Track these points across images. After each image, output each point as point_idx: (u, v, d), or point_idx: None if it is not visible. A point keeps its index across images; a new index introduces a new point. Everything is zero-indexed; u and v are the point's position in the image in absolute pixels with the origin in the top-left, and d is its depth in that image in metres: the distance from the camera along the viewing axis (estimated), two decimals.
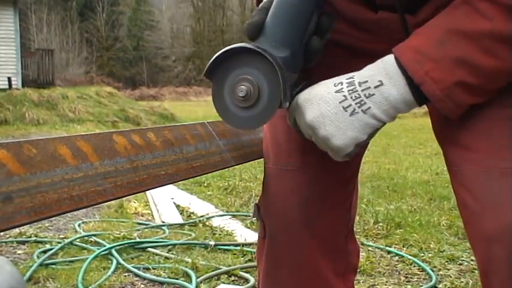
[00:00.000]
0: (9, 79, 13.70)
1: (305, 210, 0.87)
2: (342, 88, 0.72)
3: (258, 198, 0.95)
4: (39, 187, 0.54)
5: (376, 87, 0.70)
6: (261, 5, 0.80)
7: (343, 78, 0.73)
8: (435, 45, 0.68)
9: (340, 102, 0.72)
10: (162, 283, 2.21)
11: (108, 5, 41.69)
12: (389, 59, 0.71)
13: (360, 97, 0.71)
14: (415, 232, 2.82)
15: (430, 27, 0.71)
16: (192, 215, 3.45)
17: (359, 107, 0.71)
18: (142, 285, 2.20)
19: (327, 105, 0.72)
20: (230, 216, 3.35)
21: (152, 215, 3.48)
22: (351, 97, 0.71)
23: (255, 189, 4.04)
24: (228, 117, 0.77)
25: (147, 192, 3.77)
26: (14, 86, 13.55)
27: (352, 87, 0.72)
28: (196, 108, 18.55)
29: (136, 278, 2.26)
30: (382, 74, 0.71)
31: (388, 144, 7.54)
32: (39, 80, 15.02)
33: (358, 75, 0.73)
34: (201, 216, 3.34)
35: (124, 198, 3.02)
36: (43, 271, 2.29)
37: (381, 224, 2.98)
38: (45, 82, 14.87)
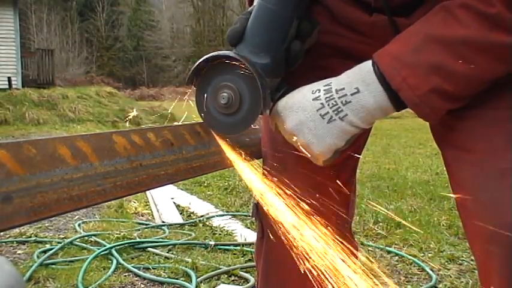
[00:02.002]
0: (9, 79, 13.70)
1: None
2: (319, 96, 0.73)
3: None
4: (39, 187, 0.54)
5: (352, 94, 0.71)
6: (244, 11, 0.81)
7: (321, 85, 0.74)
8: (412, 51, 0.69)
9: (317, 110, 0.73)
10: (162, 283, 2.21)
11: (108, 5, 41.68)
12: (367, 65, 0.72)
13: (337, 104, 0.72)
14: (415, 232, 2.82)
15: (408, 33, 0.71)
16: (192, 215, 3.45)
17: (336, 114, 0.72)
18: (142, 285, 2.20)
19: (305, 113, 0.73)
20: (230, 216, 3.35)
21: (152, 215, 3.48)
22: (328, 104, 0.72)
23: None
24: (211, 123, 0.79)
25: (147, 192, 3.77)
26: (14, 86, 13.54)
27: (329, 94, 0.72)
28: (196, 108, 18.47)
29: (136, 278, 2.26)
30: (359, 81, 0.71)
31: (388, 144, 7.54)
32: (39, 80, 15.02)
33: (335, 82, 0.73)
34: (201, 216, 3.34)
35: (124, 198, 3.03)
36: (43, 271, 2.29)
37: (380, 224, 2.98)
38: (45, 82, 14.87)
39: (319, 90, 0.73)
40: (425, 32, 0.69)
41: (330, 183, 0.89)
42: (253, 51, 0.76)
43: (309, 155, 0.76)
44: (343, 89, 0.72)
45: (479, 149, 0.71)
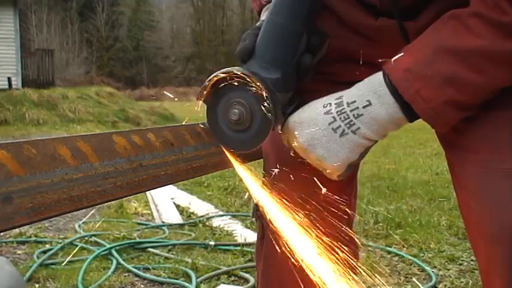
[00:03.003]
0: (9, 79, 13.70)
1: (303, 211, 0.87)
2: (330, 109, 0.72)
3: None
4: (39, 187, 0.54)
5: (364, 107, 0.71)
6: (254, 26, 0.80)
7: (332, 99, 0.73)
8: (424, 63, 0.68)
9: (329, 124, 0.72)
10: (162, 283, 2.21)
11: (108, 5, 41.67)
12: (378, 77, 0.71)
13: (349, 118, 0.71)
14: (415, 232, 2.82)
15: (419, 43, 0.71)
16: (192, 215, 3.45)
17: (348, 128, 0.71)
18: (142, 285, 2.20)
19: (317, 127, 0.73)
20: (230, 216, 3.35)
21: (152, 215, 3.48)
22: (340, 118, 0.72)
23: None
24: (222, 140, 0.78)
25: (147, 192, 3.77)
26: (14, 86, 13.55)
27: (341, 107, 0.72)
28: (196, 108, 18.47)
29: (136, 278, 2.26)
30: (371, 94, 0.71)
31: (388, 144, 7.53)
32: (39, 80, 15.02)
33: (346, 95, 0.73)
34: (201, 216, 3.34)
35: (124, 199, 3.02)
36: (43, 271, 2.29)
37: (380, 224, 2.98)
38: (45, 82, 14.87)
39: (330, 104, 0.73)
40: (436, 43, 0.68)
41: (330, 185, 0.89)
42: (263, 67, 0.75)
43: (323, 170, 0.75)
44: (355, 101, 0.71)
45: (482, 149, 0.71)
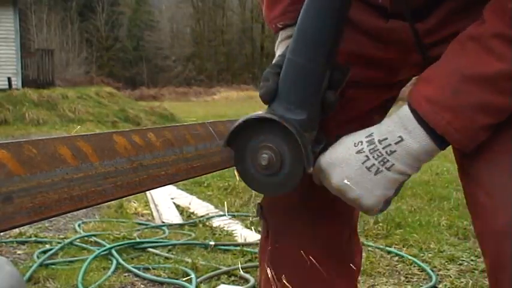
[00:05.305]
0: (9, 79, 13.70)
1: (308, 210, 0.87)
2: (362, 148, 0.72)
3: (261, 197, 0.95)
4: (39, 187, 0.54)
5: (396, 143, 0.71)
6: (272, 65, 0.79)
7: (362, 137, 0.73)
8: (451, 94, 0.68)
9: (363, 163, 0.72)
10: (162, 283, 2.21)
11: (108, 5, 41.68)
12: (405, 113, 0.71)
13: (382, 155, 0.71)
14: (415, 232, 2.82)
15: (440, 71, 0.70)
16: (192, 215, 3.45)
17: (382, 165, 0.71)
18: (142, 286, 2.20)
19: (350, 167, 0.72)
20: (230, 217, 3.35)
21: (152, 215, 3.48)
22: (373, 156, 0.72)
23: None
24: (252, 185, 0.77)
25: (147, 192, 3.77)
26: (14, 86, 13.55)
27: (373, 145, 0.72)
28: (196, 108, 18.58)
29: (136, 278, 2.26)
30: (401, 129, 0.71)
31: None
32: (39, 80, 15.02)
33: (376, 132, 0.73)
34: (201, 217, 3.34)
35: (124, 199, 3.02)
36: (43, 271, 2.29)
37: (380, 224, 2.98)
38: (45, 82, 14.87)
39: (362, 142, 0.73)
40: (460, 72, 0.67)
41: None
42: (289, 108, 0.74)
43: (360, 209, 0.75)
44: (386, 138, 0.71)
45: (496, 147, 0.71)
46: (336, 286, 0.91)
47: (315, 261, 0.88)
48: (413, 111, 0.70)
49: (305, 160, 0.72)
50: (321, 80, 0.75)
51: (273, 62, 0.80)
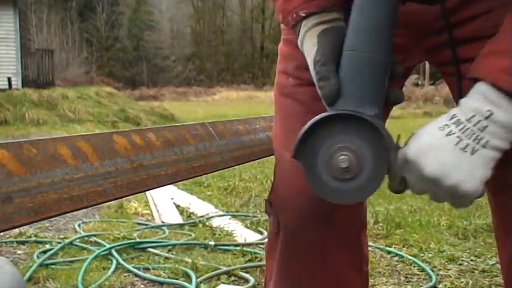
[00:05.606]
0: (9, 79, 13.70)
1: (320, 203, 0.87)
2: (451, 130, 0.69)
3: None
4: (39, 187, 0.54)
5: (486, 117, 0.67)
6: (317, 58, 0.74)
7: (446, 120, 0.70)
8: None
9: (456, 144, 0.68)
10: (162, 283, 2.21)
11: (108, 5, 41.68)
12: (483, 88, 0.69)
13: (475, 133, 0.68)
14: (415, 232, 2.82)
15: (506, 42, 0.69)
16: (192, 215, 3.45)
17: (478, 143, 0.68)
18: (142, 286, 2.20)
19: (444, 152, 0.68)
20: (230, 217, 3.35)
21: (152, 215, 3.48)
22: (466, 135, 0.68)
23: (255, 189, 4.04)
24: (324, 192, 0.71)
25: (147, 192, 3.77)
26: (14, 86, 13.55)
27: (462, 125, 0.68)
28: (196, 108, 18.57)
29: (136, 278, 2.26)
30: (487, 104, 0.68)
31: None
32: (39, 80, 15.02)
33: (460, 113, 0.69)
34: (201, 217, 3.34)
35: (124, 198, 3.02)
36: (43, 271, 2.29)
37: (380, 224, 2.98)
38: (45, 82, 14.87)
39: (448, 125, 0.69)
40: None
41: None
42: (359, 105, 0.70)
43: (457, 197, 0.72)
44: (474, 115, 0.68)
45: None
46: (348, 278, 0.91)
47: (327, 254, 0.88)
48: (493, 85, 0.68)
49: (391, 158, 0.68)
50: (387, 71, 0.72)
51: (316, 57, 0.75)
